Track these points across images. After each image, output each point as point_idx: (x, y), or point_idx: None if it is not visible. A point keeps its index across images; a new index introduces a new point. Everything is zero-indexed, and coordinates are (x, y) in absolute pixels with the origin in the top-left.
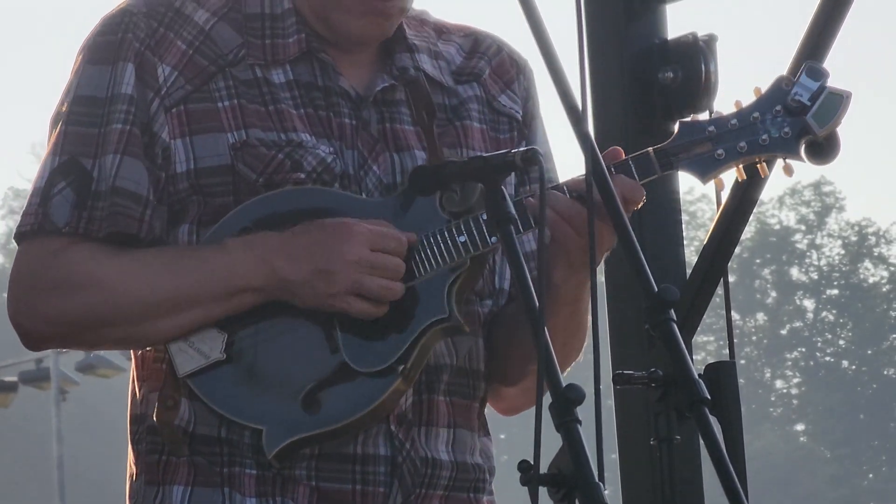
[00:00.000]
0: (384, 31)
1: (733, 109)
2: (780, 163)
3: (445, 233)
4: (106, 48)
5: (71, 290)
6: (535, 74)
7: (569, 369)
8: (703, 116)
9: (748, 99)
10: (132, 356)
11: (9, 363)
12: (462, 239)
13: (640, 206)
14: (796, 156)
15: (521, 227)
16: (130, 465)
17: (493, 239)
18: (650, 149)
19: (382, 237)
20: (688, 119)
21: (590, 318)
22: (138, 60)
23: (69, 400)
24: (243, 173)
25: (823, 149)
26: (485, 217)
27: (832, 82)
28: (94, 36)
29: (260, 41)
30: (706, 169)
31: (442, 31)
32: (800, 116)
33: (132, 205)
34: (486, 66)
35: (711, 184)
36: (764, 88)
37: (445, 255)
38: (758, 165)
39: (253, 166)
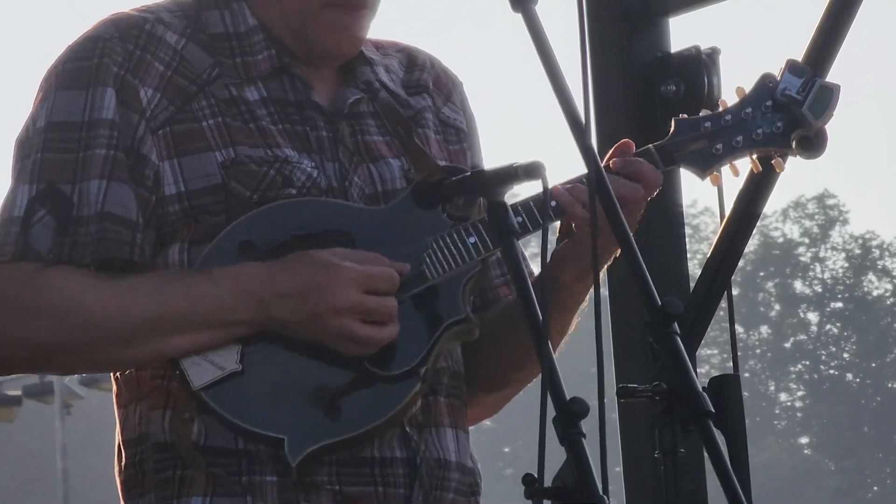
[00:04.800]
0: (356, 48)
1: (720, 108)
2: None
3: (455, 235)
4: (79, 74)
5: (45, 313)
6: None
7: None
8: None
9: (733, 98)
10: (114, 379)
11: (12, 377)
12: (472, 240)
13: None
14: (789, 149)
15: (530, 226)
16: (126, 490)
17: None
18: (651, 146)
19: (374, 279)
20: (683, 116)
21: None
22: (118, 84)
23: (73, 414)
24: (236, 191)
25: (813, 143)
26: None
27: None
28: (64, 63)
29: (230, 60)
30: (705, 164)
31: (379, 45)
32: (791, 110)
33: (122, 229)
34: (429, 79)
35: (717, 197)
36: (748, 87)
37: (457, 256)
38: (750, 161)
39: (246, 183)
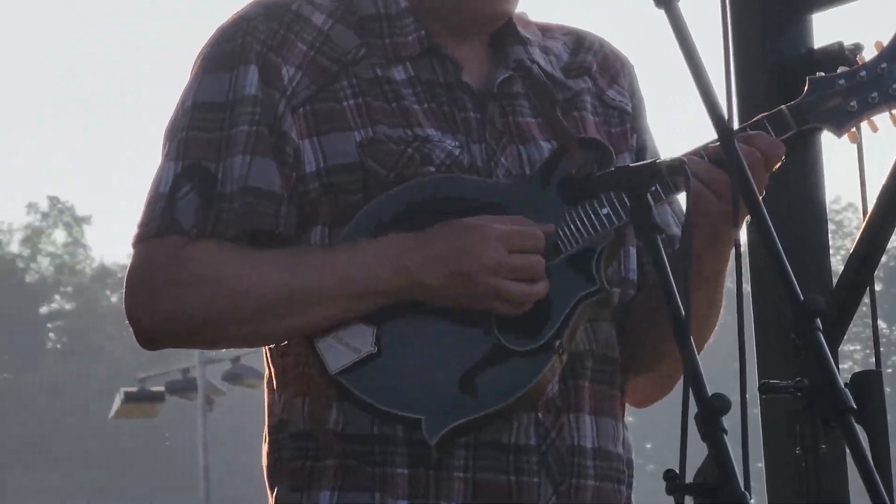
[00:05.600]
0: (511, 9)
1: (857, 64)
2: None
3: (587, 206)
4: (224, 56)
5: (191, 285)
6: (636, 70)
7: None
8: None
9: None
10: (268, 366)
11: (155, 373)
12: (605, 211)
13: (779, 163)
14: None
15: (662, 194)
16: (269, 477)
17: None
18: (783, 106)
19: (519, 236)
20: (819, 75)
21: (719, 298)
22: (261, 62)
23: (216, 410)
24: (373, 170)
25: None
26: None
27: None
28: (211, 46)
29: (379, 41)
30: (840, 122)
31: (545, 29)
32: None
33: (265, 202)
34: (593, 62)
35: (856, 190)
36: (886, 42)
37: (590, 227)
38: (890, 116)
39: (383, 162)
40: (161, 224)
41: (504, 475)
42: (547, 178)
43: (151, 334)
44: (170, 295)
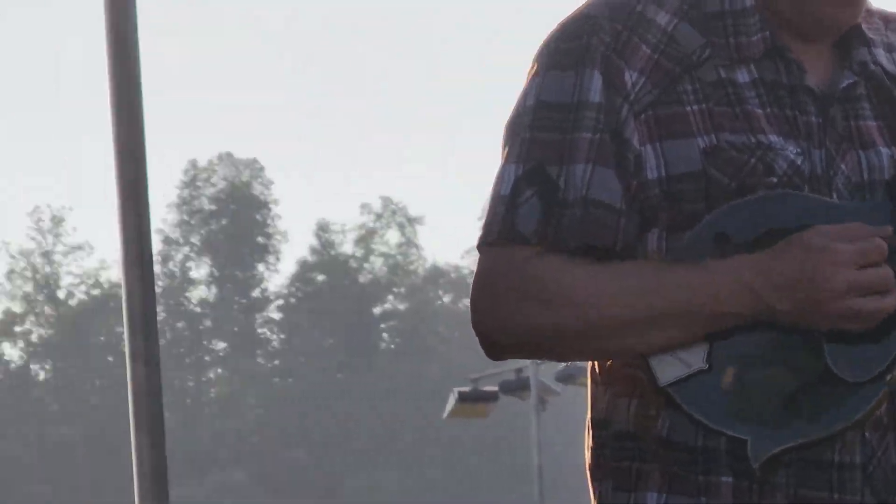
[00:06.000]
0: (855, 16)
1: None
2: None
3: None
4: (569, 53)
5: (540, 302)
6: None
7: None
8: None
9: None
10: None
11: (489, 373)
12: None
13: None
14: None
15: None
16: (591, 473)
17: None
18: None
19: (867, 253)
20: None
21: None
22: (605, 66)
23: (549, 409)
24: (716, 179)
25: None
26: None
27: None
28: (555, 41)
29: (724, 40)
30: None
31: (888, 20)
32: None
33: (607, 215)
34: None
35: None
36: None
37: None
38: None
39: (725, 171)
40: (502, 229)
41: (827, 492)
42: (887, 203)
43: (493, 340)
44: (510, 303)
